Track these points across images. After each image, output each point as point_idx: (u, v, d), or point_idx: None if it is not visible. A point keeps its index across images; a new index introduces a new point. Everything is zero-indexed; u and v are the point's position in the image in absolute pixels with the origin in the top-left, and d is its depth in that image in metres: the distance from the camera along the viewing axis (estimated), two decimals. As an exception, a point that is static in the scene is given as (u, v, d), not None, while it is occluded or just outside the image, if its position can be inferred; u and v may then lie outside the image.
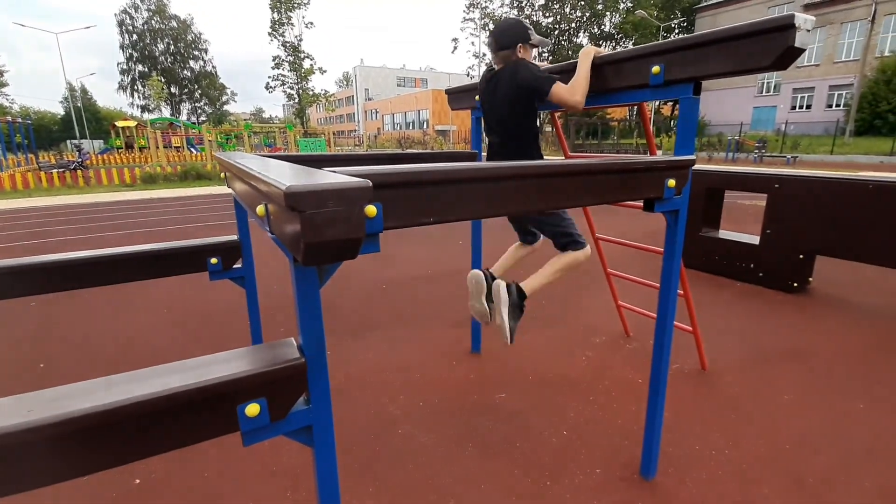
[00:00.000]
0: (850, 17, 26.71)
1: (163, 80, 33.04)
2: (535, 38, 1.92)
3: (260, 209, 0.88)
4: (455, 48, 61.88)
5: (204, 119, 53.36)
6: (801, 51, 1.18)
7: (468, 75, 41.71)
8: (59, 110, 52.41)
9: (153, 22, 49.80)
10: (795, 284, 3.74)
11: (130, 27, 49.13)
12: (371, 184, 0.68)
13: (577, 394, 2.34)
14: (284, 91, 35.69)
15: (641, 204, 1.47)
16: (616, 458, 1.86)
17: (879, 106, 24.74)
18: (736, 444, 1.95)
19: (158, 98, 30.49)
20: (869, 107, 25.24)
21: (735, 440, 1.98)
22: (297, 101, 35.69)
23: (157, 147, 20.31)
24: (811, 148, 21.43)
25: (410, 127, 52.57)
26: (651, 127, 2.21)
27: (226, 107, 61.38)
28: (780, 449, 1.92)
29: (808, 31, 1.16)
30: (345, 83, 76.09)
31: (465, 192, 0.95)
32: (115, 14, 48.73)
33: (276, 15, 33.48)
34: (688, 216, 4.96)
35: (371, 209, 0.87)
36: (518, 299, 1.86)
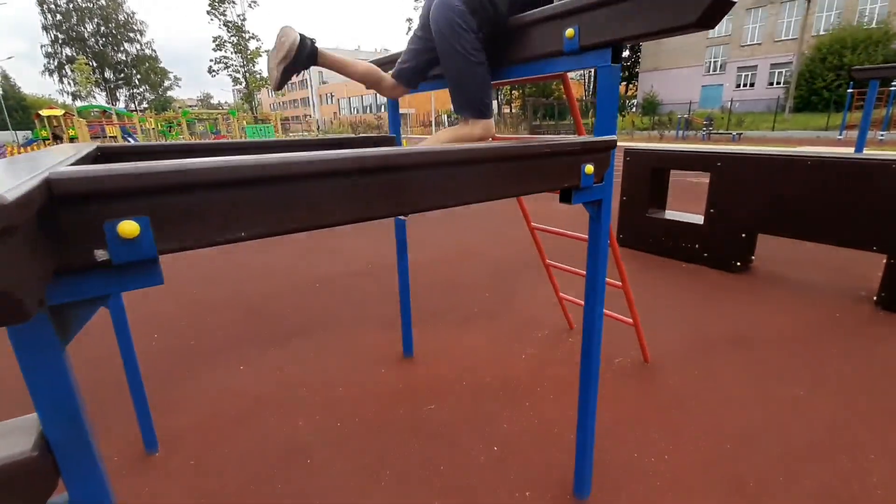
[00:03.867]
0: (789, -3, 27.76)
1: (93, 64, 30.40)
2: None
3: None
4: (409, 28, 60.39)
5: (145, 106, 49.97)
6: (731, 4, 0.97)
7: (424, 56, 40.78)
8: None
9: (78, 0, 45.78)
10: (738, 264, 3.70)
11: (53, 5, 44.93)
12: (10, 200, 0.39)
13: (513, 400, 2.15)
14: (229, 75, 33.88)
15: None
16: (549, 476, 1.68)
17: (815, 83, 25.99)
18: (676, 448, 1.81)
19: (87, 83, 28.16)
20: (806, 84, 26.48)
21: (675, 443, 1.84)
22: (244, 84, 33.98)
23: (88, 138, 18.71)
24: (754, 124, 22.29)
25: (368, 111, 51.09)
26: (578, 103, 1.99)
27: (170, 92, 57.71)
28: (721, 449, 1.80)
29: (738, -22, 0.94)
30: (297, 66, 72.80)
31: (283, 195, 0.67)
32: (35, -10, 44.36)
33: (214, -8, 31.54)
34: (634, 197, 4.74)
35: (129, 227, 0.59)
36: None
